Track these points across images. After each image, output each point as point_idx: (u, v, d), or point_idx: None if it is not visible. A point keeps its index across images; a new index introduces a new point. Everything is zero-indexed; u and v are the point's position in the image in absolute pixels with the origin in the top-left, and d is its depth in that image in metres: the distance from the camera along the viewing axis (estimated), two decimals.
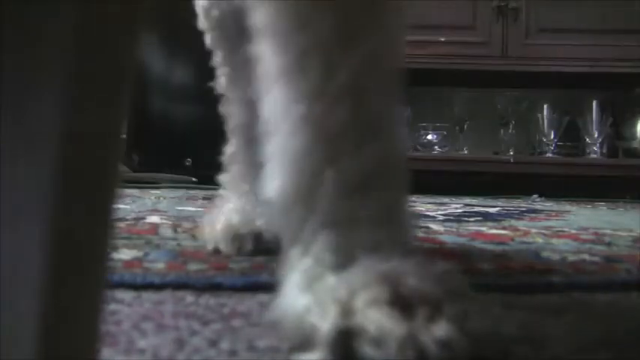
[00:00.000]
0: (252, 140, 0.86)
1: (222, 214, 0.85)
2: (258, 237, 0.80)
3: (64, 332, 0.25)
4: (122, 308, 0.56)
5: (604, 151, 2.83)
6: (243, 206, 0.86)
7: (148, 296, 0.61)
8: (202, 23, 0.89)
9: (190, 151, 2.83)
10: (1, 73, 0.25)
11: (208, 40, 0.89)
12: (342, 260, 0.44)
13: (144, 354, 0.45)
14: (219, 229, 0.81)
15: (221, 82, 0.90)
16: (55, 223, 0.24)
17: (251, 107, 0.83)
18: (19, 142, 0.25)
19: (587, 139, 2.88)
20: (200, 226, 0.87)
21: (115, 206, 0.27)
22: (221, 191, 0.91)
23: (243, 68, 0.85)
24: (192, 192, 2.21)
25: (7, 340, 0.24)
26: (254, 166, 0.85)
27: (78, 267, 0.26)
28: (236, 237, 0.80)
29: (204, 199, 1.91)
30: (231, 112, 0.90)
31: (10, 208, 0.24)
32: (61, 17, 0.24)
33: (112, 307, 0.56)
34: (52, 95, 0.24)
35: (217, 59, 0.90)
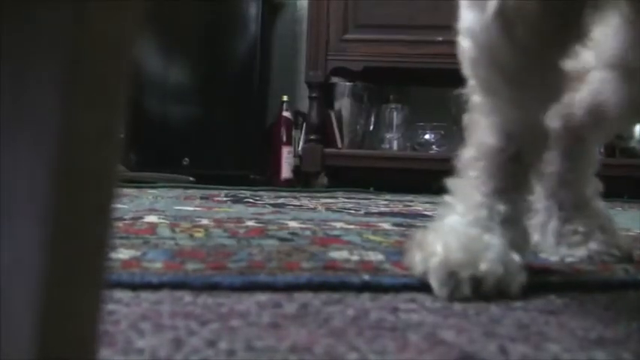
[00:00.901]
0: (500, 163, 0.77)
1: (440, 240, 0.71)
2: (478, 282, 0.67)
3: (62, 332, 0.25)
4: (120, 308, 0.56)
5: (601, 150, 2.82)
6: (468, 230, 0.74)
7: (146, 296, 0.61)
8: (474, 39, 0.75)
9: (188, 150, 2.83)
10: (1, 73, 0.25)
11: (471, 56, 0.76)
12: None
13: (142, 354, 0.45)
14: (432, 264, 0.68)
15: (477, 103, 0.80)
16: (54, 223, 0.24)
17: (507, 135, 0.77)
18: (19, 142, 0.24)
19: None
20: (411, 244, 0.75)
21: (115, 206, 0.27)
22: (447, 198, 0.79)
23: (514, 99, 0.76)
24: (189, 191, 2.21)
25: (7, 340, 0.24)
26: (494, 185, 0.76)
27: (77, 267, 0.26)
28: (451, 278, 0.66)
29: (201, 198, 1.91)
30: (476, 124, 0.80)
31: (9, 208, 0.24)
32: (59, 16, 0.24)
33: (110, 306, 0.56)
34: (51, 95, 0.24)
35: (477, 79, 0.79)
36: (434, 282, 0.67)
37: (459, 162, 0.80)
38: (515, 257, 0.71)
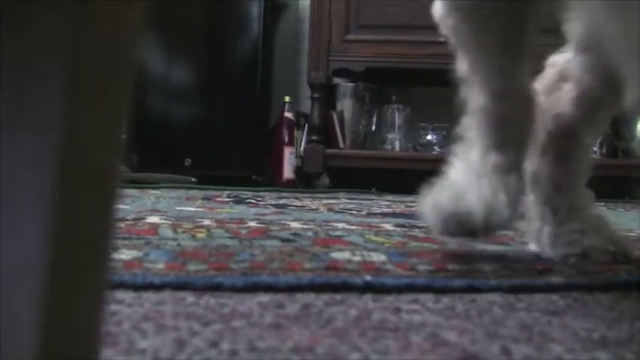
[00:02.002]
0: (492, 122, 0.86)
1: (437, 189, 0.84)
2: (464, 218, 0.79)
3: (64, 333, 0.25)
4: (122, 309, 0.56)
5: (603, 151, 2.82)
6: (460, 176, 0.86)
7: (148, 297, 0.61)
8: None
9: (190, 150, 2.83)
10: (1, 73, 0.24)
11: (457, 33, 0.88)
12: None
13: (144, 354, 0.45)
14: (426, 206, 0.82)
15: (463, 68, 0.88)
16: (55, 223, 0.24)
17: (492, 93, 0.85)
18: (20, 143, 0.24)
19: None
20: (426, 194, 0.86)
21: (116, 206, 0.27)
22: (451, 159, 0.91)
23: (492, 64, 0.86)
24: (191, 192, 2.21)
25: (7, 340, 0.24)
26: (488, 142, 0.86)
27: (79, 267, 0.25)
28: (439, 215, 0.80)
29: (203, 199, 1.91)
30: (468, 91, 0.89)
31: (10, 208, 0.24)
32: (59, 16, 0.24)
33: (112, 307, 0.56)
34: (53, 96, 0.24)
35: (448, 30, 0.90)
36: (428, 220, 0.80)
37: (460, 129, 0.89)
38: (502, 197, 0.80)
